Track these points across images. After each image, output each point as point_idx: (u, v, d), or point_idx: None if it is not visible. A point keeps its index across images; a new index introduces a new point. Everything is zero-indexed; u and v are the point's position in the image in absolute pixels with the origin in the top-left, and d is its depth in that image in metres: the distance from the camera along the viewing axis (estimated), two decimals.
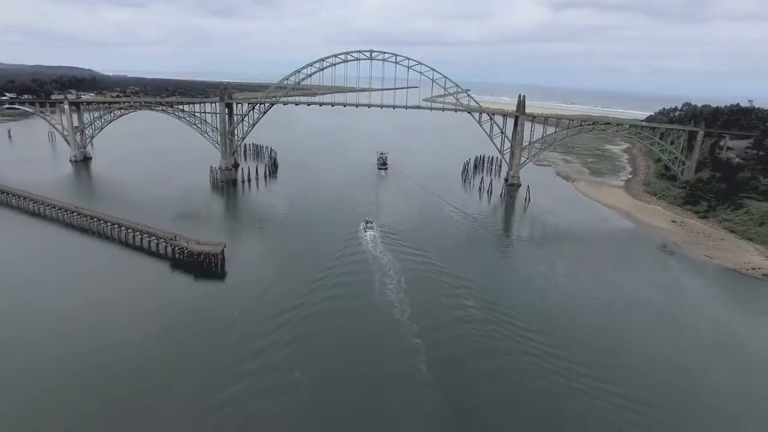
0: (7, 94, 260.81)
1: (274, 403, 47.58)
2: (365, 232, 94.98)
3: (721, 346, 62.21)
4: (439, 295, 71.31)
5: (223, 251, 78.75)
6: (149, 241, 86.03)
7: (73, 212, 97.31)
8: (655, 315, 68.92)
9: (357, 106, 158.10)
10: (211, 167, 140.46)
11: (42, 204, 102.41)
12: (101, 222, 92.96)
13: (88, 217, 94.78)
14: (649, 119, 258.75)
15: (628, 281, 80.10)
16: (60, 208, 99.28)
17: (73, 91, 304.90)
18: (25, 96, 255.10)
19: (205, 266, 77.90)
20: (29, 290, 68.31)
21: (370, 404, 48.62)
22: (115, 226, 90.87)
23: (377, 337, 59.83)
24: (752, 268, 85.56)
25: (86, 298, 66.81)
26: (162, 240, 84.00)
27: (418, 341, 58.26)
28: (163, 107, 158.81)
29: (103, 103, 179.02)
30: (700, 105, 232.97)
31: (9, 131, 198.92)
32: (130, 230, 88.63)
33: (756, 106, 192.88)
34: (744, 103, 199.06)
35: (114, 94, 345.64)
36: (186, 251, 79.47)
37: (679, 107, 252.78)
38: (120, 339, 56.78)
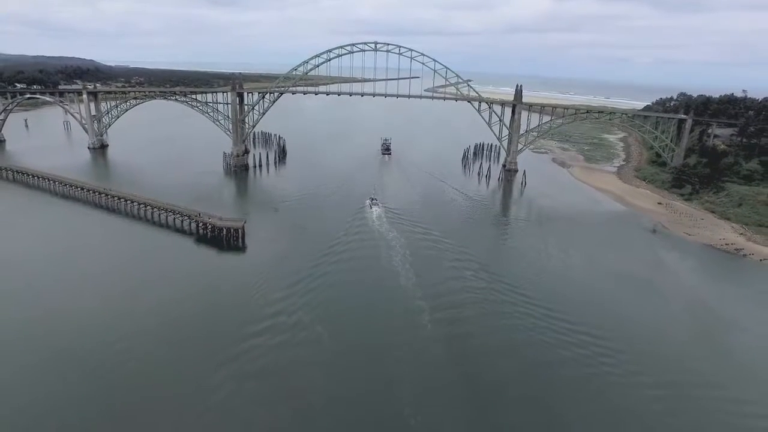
0: (17, 84, 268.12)
1: (298, 335, 58.00)
2: (371, 208, 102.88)
3: (689, 307, 70.40)
4: (440, 260, 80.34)
5: (243, 226, 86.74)
6: (174, 219, 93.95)
7: (101, 193, 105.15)
8: (634, 281, 76.96)
9: (362, 95, 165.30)
10: (224, 153, 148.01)
11: (72, 186, 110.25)
12: (128, 202, 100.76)
13: (116, 198, 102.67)
14: (645, 109, 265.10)
15: (612, 254, 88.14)
16: (89, 190, 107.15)
17: (78, 81, 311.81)
18: (35, 86, 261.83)
19: (226, 240, 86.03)
20: (82, 263, 76.86)
21: (378, 348, 56.60)
22: (142, 205, 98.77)
23: (384, 295, 68.20)
24: (726, 244, 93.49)
25: (128, 268, 75.18)
26: (187, 217, 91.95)
27: (421, 303, 66.29)
28: (177, 96, 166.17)
29: (120, 92, 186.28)
30: (695, 95, 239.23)
31: (25, 120, 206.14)
32: (156, 209, 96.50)
33: (748, 96, 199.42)
34: (739, 94, 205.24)
35: (119, 85, 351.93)
36: (210, 226, 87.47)
37: (675, 97, 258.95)
38: (161, 298, 65.22)
